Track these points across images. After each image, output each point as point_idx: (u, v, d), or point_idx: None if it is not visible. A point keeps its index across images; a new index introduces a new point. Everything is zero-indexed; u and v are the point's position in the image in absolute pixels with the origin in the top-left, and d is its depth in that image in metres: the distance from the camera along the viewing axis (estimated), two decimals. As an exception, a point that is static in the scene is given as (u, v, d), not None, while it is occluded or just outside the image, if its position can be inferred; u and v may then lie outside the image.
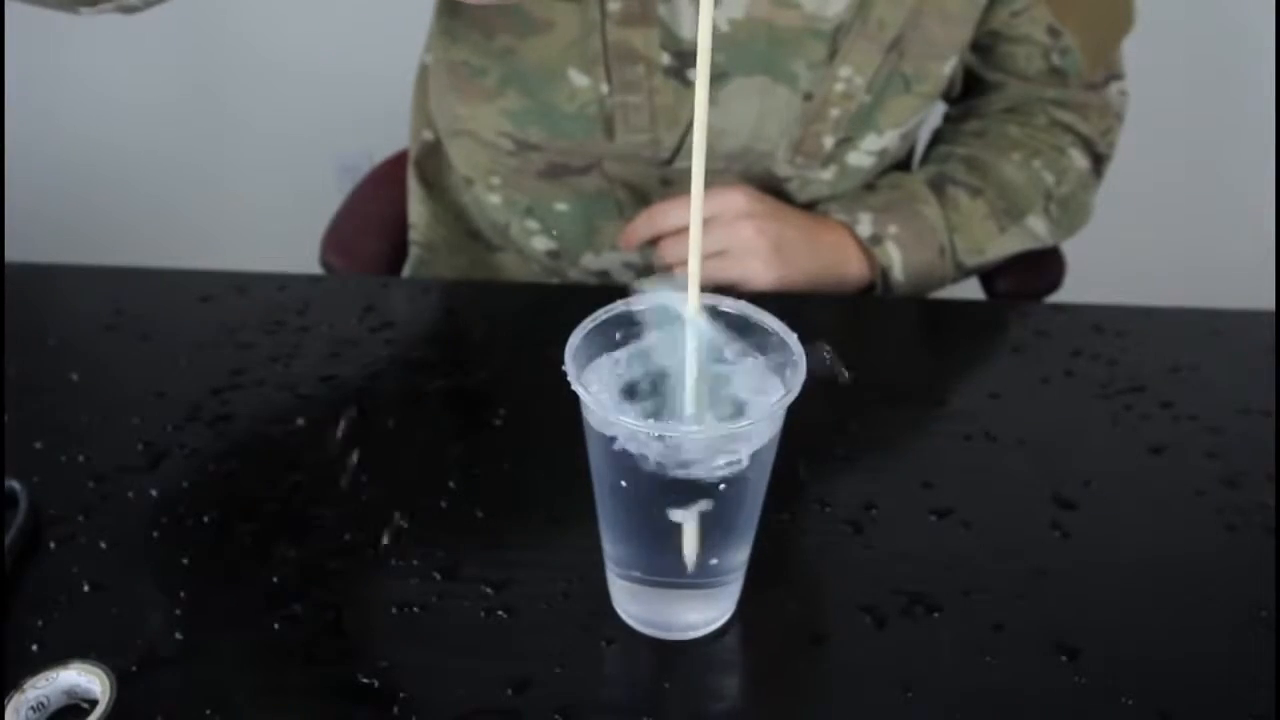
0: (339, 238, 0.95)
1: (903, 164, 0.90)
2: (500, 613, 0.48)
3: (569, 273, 0.86)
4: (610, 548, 0.47)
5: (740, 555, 0.47)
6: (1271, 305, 0.72)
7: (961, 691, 0.45)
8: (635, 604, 0.48)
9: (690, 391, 0.43)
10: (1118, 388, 0.63)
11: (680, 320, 0.43)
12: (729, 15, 0.72)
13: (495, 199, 0.84)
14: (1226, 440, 0.59)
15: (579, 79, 0.75)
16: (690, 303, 0.42)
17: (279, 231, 1.40)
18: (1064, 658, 0.47)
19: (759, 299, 0.46)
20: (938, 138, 0.90)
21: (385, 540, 0.52)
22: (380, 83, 1.27)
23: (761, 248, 0.75)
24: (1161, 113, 1.32)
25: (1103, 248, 1.11)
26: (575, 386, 0.41)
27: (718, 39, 0.72)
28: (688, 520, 0.43)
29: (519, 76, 0.76)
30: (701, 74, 0.38)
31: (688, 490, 0.42)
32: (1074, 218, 0.86)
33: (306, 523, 0.53)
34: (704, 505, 0.43)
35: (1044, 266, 0.89)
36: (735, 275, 0.76)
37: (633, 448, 0.42)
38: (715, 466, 0.42)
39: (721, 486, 0.42)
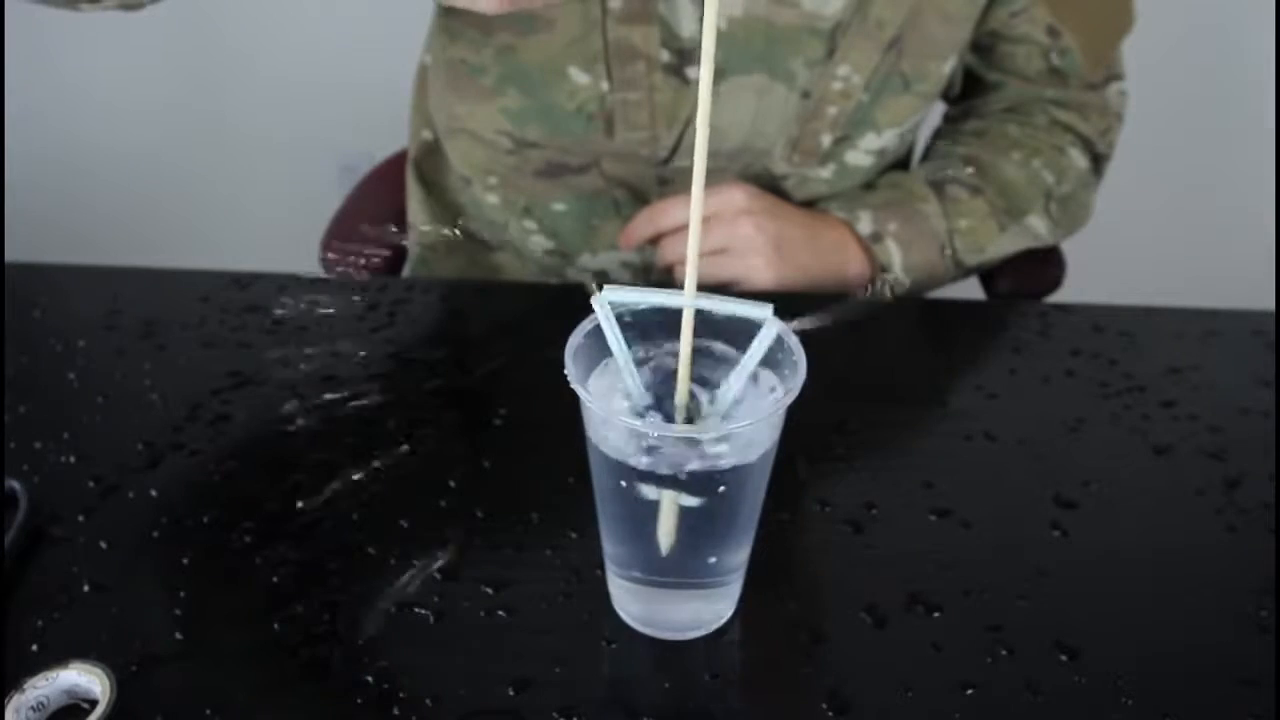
0: (339, 238, 0.95)
1: (902, 164, 0.90)
2: (500, 613, 0.48)
3: (567, 273, 0.86)
4: (610, 548, 0.47)
5: (740, 555, 0.47)
6: (1271, 305, 0.72)
7: (961, 691, 0.45)
8: (635, 604, 0.48)
9: (682, 392, 0.43)
10: (1118, 388, 0.63)
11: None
12: (728, 13, 0.72)
13: (493, 199, 0.84)
14: (1226, 440, 0.59)
15: (579, 77, 0.75)
16: (686, 300, 0.42)
17: (279, 231, 1.40)
18: (1064, 658, 0.47)
19: (758, 298, 0.45)
20: (937, 137, 0.90)
21: (385, 540, 0.52)
22: (380, 83, 1.27)
23: (761, 245, 0.75)
24: (1161, 113, 1.32)
25: (1103, 248, 1.11)
26: (575, 386, 0.41)
27: (716, 37, 0.72)
28: (662, 499, 0.43)
29: (519, 75, 0.76)
30: (705, 75, 0.38)
31: (687, 490, 0.42)
32: (1074, 217, 0.86)
33: (306, 523, 0.53)
34: (682, 497, 0.43)
35: (1044, 266, 0.89)
36: (735, 273, 0.76)
37: (632, 447, 0.42)
38: (715, 467, 0.42)
39: (721, 487, 0.42)
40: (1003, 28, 0.81)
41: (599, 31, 0.73)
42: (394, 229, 0.96)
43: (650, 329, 0.44)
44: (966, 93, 0.89)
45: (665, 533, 0.44)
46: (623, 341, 0.42)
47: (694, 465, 0.42)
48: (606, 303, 0.41)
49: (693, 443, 0.42)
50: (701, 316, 0.43)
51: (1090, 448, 0.59)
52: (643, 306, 0.43)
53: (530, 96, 0.77)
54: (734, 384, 0.43)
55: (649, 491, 0.43)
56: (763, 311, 0.42)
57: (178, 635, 0.47)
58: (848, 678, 0.46)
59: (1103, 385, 0.63)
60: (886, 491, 0.55)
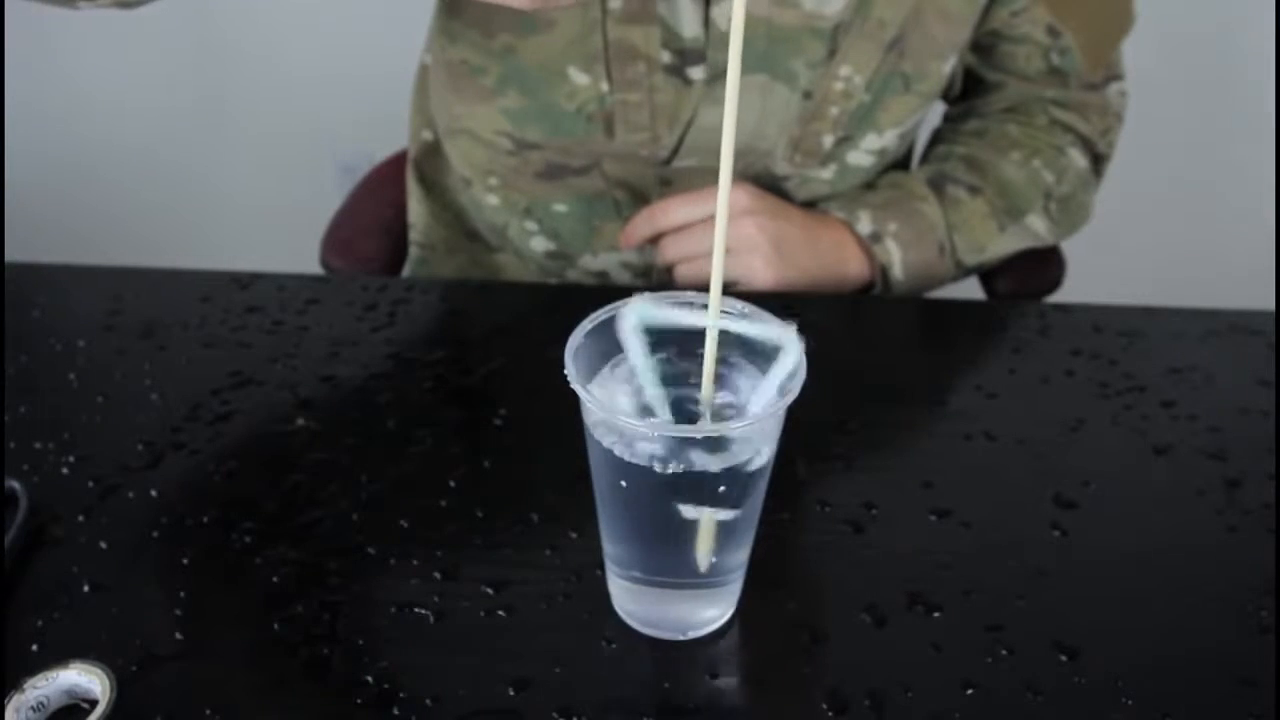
0: (339, 238, 0.95)
1: (902, 164, 0.90)
2: (500, 613, 0.48)
3: (567, 274, 0.86)
4: (610, 548, 0.47)
5: (740, 555, 0.47)
6: (1271, 305, 0.72)
7: (961, 691, 0.45)
8: (635, 604, 0.48)
9: (707, 392, 0.43)
10: (1118, 388, 0.63)
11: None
12: (728, 14, 0.72)
13: (493, 199, 0.84)
14: (1226, 440, 0.59)
15: (579, 77, 0.75)
16: (712, 304, 0.42)
17: (279, 231, 1.40)
18: (1064, 658, 0.47)
19: (758, 298, 0.46)
20: (937, 137, 0.90)
21: (385, 540, 0.52)
22: (380, 83, 1.28)
23: (761, 245, 0.75)
24: (1161, 113, 1.32)
25: (1103, 248, 1.12)
26: (575, 386, 0.41)
27: (717, 37, 0.73)
28: (701, 518, 0.43)
29: (519, 75, 0.76)
30: (732, 77, 0.38)
31: (687, 490, 0.42)
32: (1074, 217, 0.86)
33: (306, 523, 0.53)
34: (720, 513, 0.43)
35: (1044, 266, 0.89)
36: (735, 273, 0.76)
37: (631, 448, 0.42)
38: (715, 467, 0.42)
39: (721, 488, 0.42)
40: (1003, 27, 0.81)
41: (599, 32, 0.73)
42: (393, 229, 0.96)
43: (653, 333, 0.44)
44: (967, 93, 0.89)
45: (704, 552, 0.44)
46: (649, 356, 0.42)
47: (695, 465, 0.42)
48: (636, 317, 0.41)
49: (693, 442, 0.42)
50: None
51: (1090, 448, 0.59)
52: (669, 328, 0.42)
53: (530, 97, 0.77)
54: (758, 403, 0.43)
55: (688, 511, 0.43)
56: (787, 333, 0.42)
57: (178, 635, 0.47)
58: (848, 678, 0.46)
59: (1103, 385, 0.63)
60: (886, 491, 0.55)
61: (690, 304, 0.43)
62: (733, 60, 0.38)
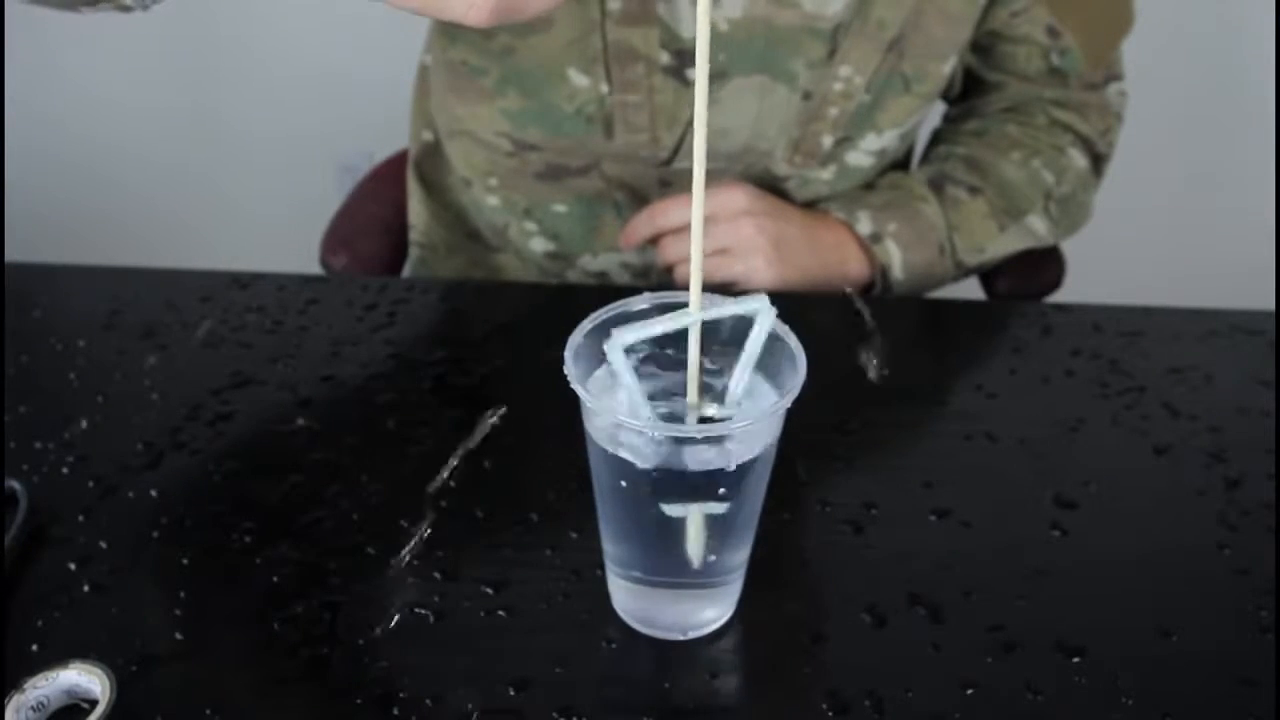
0: (339, 238, 0.95)
1: (902, 164, 0.90)
2: (500, 613, 0.48)
3: (567, 274, 0.86)
4: (610, 548, 0.47)
5: (740, 555, 0.47)
6: (1271, 305, 0.72)
7: (962, 691, 0.45)
8: (635, 604, 0.48)
9: (693, 392, 0.43)
10: (1118, 388, 0.63)
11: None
12: (728, 15, 0.72)
13: (493, 200, 0.84)
14: (1226, 440, 0.59)
15: (578, 78, 0.75)
16: (692, 301, 0.42)
17: (279, 231, 1.40)
18: (1064, 657, 0.47)
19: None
20: (937, 138, 0.90)
21: (385, 540, 0.52)
22: (380, 83, 1.28)
23: (762, 245, 0.75)
24: (1161, 113, 1.32)
25: (1103, 248, 1.12)
26: (575, 386, 0.41)
27: (717, 38, 0.72)
28: (689, 516, 0.43)
29: (518, 76, 0.76)
30: (701, 76, 0.38)
31: (687, 491, 0.42)
32: (1074, 217, 0.86)
33: (306, 523, 0.53)
34: (710, 506, 0.43)
35: (1044, 266, 0.89)
36: (735, 273, 0.76)
37: (631, 449, 0.42)
38: (715, 466, 0.42)
39: (721, 488, 0.42)
40: (1003, 28, 0.81)
41: (598, 33, 0.73)
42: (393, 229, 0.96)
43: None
44: (967, 93, 0.89)
45: (695, 547, 0.44)
46: (639, 387, 0.42)
47: (695, 465, 0.42)
48: (620, 347, 0.41)
49: (692, 442, 0.42)
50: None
51: (1090, 448, 0.59)
52: (653, 336, 0.42)
53: (530, 98, 0.77)
54: (740, 377, 0.43)
55: (674, 510, 0.43)
56: (759, 303, 0.42)
57: (178, 635, 0.47)
58: (848, 678, 0.46)
59: (1103, 385, 0.63)
60: (886, 491, 0.55)
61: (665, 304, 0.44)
62: (700, 62, 0.38)
